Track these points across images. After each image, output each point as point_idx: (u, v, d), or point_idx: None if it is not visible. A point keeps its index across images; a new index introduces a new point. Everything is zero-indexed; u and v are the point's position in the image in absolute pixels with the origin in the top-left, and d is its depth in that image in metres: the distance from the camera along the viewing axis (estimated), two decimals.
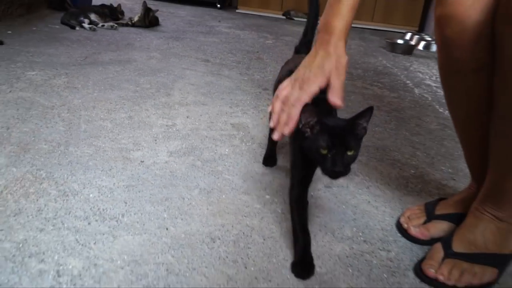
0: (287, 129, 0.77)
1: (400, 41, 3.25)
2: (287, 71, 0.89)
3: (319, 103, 0.76)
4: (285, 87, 0.80)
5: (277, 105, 0.80)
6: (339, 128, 0.74)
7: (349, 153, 0.73)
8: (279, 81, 0.88)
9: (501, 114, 0.76)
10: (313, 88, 0.76)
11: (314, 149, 0.74)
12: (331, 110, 0.83)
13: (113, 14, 2.93)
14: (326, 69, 0.76)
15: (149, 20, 2.88)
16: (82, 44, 2.24)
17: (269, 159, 1.17)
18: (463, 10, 0.75)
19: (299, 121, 0.75)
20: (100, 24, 2.70)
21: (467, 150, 0.96)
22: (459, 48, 0.78)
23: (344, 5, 0.76)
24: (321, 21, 0.79)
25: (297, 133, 0.78)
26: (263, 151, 1.23)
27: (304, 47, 1.09)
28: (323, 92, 0.76)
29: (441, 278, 0.79)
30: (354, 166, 0.98)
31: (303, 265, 0.78)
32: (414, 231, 0.93)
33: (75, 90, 1.54)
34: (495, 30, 0.71)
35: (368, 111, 0.75)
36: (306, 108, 0.73)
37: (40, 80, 1.60)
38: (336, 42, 0.76)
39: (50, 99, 1.43)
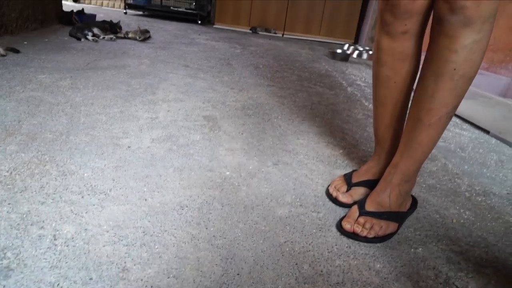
0: None
1: (339, 51, 3.26)
2: None
3: None
4: None
5: None
6: None
7: None
8: None
9: (413, 102, 0.80)
10: None
11: None
12: None
13: (112, 28, 2.81)
14: None
15: (144, 37, 2.78)
16: (86, 52, 2.15)
17: None
18: None
19: None
20: (102, 36, 2.59)
21: (379, 126, 0.95)
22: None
23: None
24: None
25: None
26: (228, 137, 1.22)
27: None
28: None
29: (356, 230, 0.81)
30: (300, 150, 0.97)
31: None
32: (342, 198, 0.94)
33: (77, 90, 1.48)
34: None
35: None
36: None
37: (48, 82, 1.53)
38: None
39: (56, 97, 1.37)
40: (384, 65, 0.88)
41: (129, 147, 1.07)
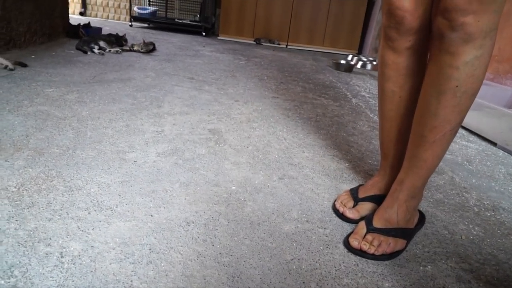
0: None
1: (343, 61, 3.27)
2: None
3: None
4: None
5: None
6: None
7: None
8: None
9: (416, 119, 0.80)
10: None
11: None
12: None
13: (118, 41, 2.85)
14: None
15: (148, 49, 2.82)
16: (92, 65, 2.18)
17: None
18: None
19: None
20: (108, 49, 2.63)
21: (384, 140, 0.96)
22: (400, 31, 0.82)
23: None
24: None
25: None
26: (233, 151, 1.22)
27: None
28: None
29: (364, 248, 0.80)
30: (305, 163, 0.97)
31: None
32: (349, 213, 0.93)
33: (84, 104, 1.49)
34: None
35: None
36: None
37: (56, 95, 1.55)
38: None
39: (63, 111, 1.39)
40: (389, 80, 0.88)
41: (135, 161, 1.08)
